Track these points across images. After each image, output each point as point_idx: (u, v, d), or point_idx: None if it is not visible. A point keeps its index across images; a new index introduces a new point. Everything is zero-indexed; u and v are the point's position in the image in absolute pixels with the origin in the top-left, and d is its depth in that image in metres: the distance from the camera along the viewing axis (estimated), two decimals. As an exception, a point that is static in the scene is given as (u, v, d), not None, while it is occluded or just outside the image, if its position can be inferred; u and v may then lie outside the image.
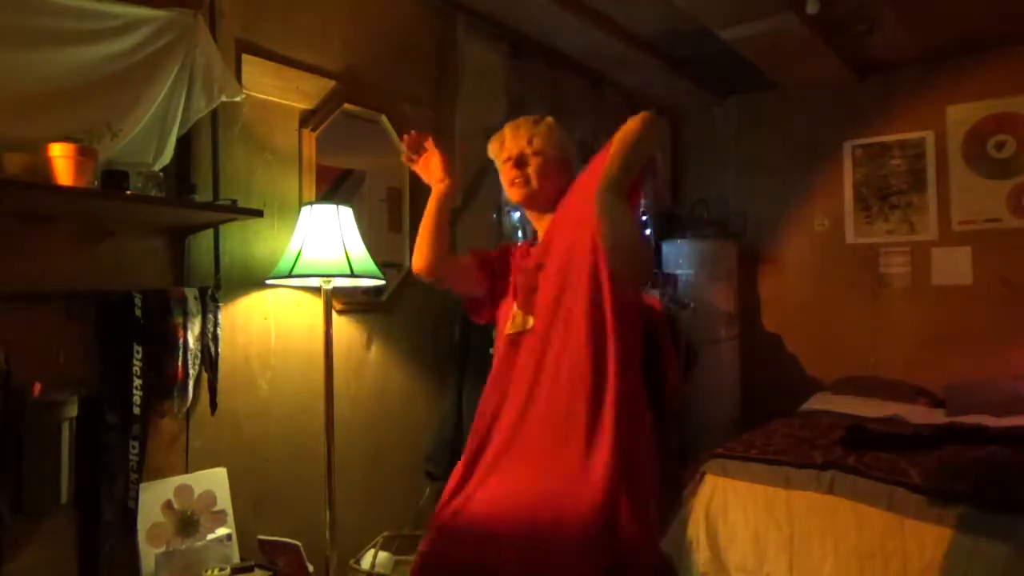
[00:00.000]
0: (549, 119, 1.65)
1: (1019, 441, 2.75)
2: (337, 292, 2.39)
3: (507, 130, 1.65)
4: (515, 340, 1.55)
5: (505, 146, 1.64)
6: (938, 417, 3.40)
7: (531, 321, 1.52)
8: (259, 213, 2.11)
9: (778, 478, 2.53)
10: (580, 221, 1.45)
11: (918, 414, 3.47)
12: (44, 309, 1.79)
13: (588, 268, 1.44)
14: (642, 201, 1.57)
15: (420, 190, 2.80)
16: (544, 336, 1.49)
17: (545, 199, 1.62)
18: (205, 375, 2.07)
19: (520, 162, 1.60)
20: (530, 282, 1.56)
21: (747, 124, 4.67)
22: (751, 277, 4.62)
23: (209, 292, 2.06)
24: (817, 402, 3.83)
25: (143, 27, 1.88)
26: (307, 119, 2.48)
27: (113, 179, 1.73)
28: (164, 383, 1.93)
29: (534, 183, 1.60)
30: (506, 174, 1.63)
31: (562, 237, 1.54)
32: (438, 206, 1.60)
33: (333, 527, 2.21)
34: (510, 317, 1.58)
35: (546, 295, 1.51)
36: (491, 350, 1.75)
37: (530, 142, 1.61)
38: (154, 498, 1.97)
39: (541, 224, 1.66)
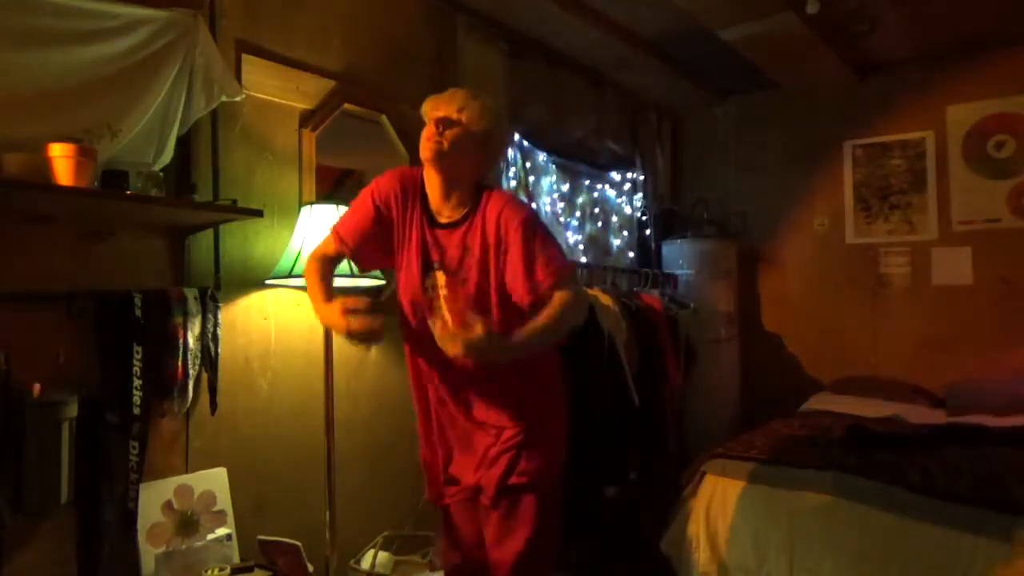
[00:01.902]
0: (482, 100, 1.70)
1: (1019, 441, 2.75)
2: (337, 292, 2.38)
3: (444, 94, 1.71)
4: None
5: (435, 106, 1.69)
6: (938, 417, 3.40)
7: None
8: (259, 213, 2.10)
9: (778, 478, 2.53)
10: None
11: (918, 414, 3.47)
12: (44, 309, 1.79)
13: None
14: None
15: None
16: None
17: (450, 169, 1.69)
18: (205, 375, 2.07)
19: (443, 124, 1.65)
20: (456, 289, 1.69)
21: (747, 124, 4.67)
22: (751, 277, 4.62)
23: (209, 292, 2.06)
24: (817, 402, 3.83)
25: (143, 27, 1.88)
26: (307, 119, 2.47)
27: (113, 179, 1.73)
28: (164, 383, 1.92)
29: (446, 147, 1.65)
30: (426, 131, 1.68)
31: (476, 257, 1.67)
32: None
33: (333, 527, 2.21)
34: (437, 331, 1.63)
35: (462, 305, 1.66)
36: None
37: (460, 110, 1.66)
38: (154, 498, 1.97)
39: (441, 198, 1.72)
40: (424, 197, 1.75)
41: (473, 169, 1.72)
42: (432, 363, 1.75)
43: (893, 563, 2.21)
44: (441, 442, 1.82)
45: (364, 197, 1.80)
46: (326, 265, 1.82)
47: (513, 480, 1.68)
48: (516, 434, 1.69)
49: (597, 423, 2.89)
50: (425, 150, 1.67)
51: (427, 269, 1.72)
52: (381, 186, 1.78)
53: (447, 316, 1.66)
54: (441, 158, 1.66)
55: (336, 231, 1.82)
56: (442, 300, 1.69)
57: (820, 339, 4.37)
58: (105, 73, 1.80)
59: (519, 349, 1.54)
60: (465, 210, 1.71)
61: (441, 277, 1.70)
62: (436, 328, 1.52)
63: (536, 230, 1.66)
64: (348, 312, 1.60)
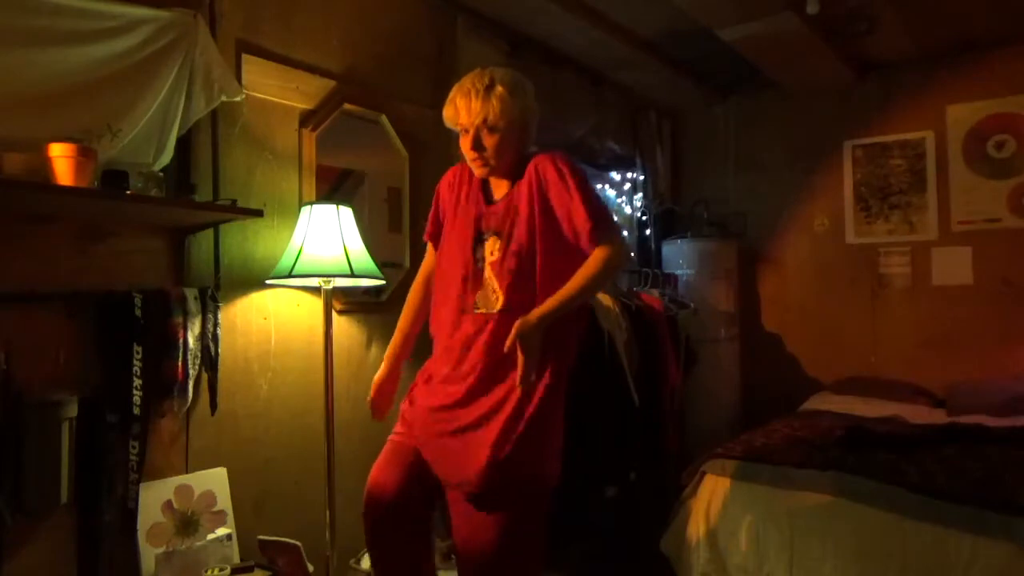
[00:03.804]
0: (500, 89, 1.63)
1: (1019, 441, 2.75)
2: (337, 292, 2.39)
3: (458, 98, 1.66)
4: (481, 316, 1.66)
5: (459, 116, 1.67)
6: (938, 417, 3.40)
7: (499, 302, 1.62)
8: (259, 213, 2.11)
9: (778, 478, 2.53)
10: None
11: (918, 414, 3.47)
12: (44, 309, 1.79)
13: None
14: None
15: (420, 190, 2.81)
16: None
17: (505, 170, 1.71)
18: (205, 375, 2.07)
19: (477, 142, 1.64)
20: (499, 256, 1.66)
21: (747, 124, 4.67)
22: (751, 277, 4.62)
23: (209, 292, 2.06)
24: (817, 402, 3.83)
25: (143, 27, 1.88)
26: (307, 119, 2.48)
27: (113, 179, 1.73)
28: (164, 383, 1.93)
29: (492, 162, 1.67)
30: (465, 148, 1.69)
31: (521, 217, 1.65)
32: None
33: (333, 527, 2.21)
34: (476, 292, 1.67)
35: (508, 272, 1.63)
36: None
37: (484, 120, 1.63)
38: (154, 498, 1.97)
39: (495, 180, 1.76)
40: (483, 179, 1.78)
41: (520, 146, 1.72)
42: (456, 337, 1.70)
43: (893, 563, 2.21)
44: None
45: (436, 190, 1.89)
46: (420, 294, 1.94)
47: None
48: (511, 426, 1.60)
49: (597, 423, 2.89)
50: (474, 169, 1.72)
51: (479, 240, 1.71)
52: (447, 175, 1.87)
53: (494, 283, 1.65)
54: (493, 171, 1.70)
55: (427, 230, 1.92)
56: (487, 266, 1.66)
57: (820, 339, 4.37)
58: (105, 73, 1.81)
59: (557, 313, 1.53)
60: (512, 180, 1.72)
61: (492, 243, 1.69)
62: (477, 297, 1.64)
63: (566, 169, 1.63)
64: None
